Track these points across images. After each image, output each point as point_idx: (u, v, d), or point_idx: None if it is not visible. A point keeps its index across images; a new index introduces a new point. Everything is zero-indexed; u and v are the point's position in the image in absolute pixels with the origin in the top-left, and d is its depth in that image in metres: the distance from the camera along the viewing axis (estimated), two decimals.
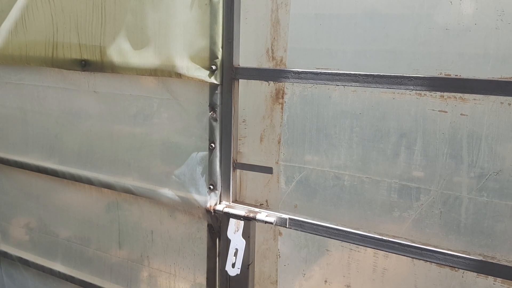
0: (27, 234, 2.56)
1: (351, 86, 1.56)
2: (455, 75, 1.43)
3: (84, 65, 2.03)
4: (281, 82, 1.72)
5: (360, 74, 1.52)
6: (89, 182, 2.19)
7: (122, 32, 1.89)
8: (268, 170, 1.77)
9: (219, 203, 1.83)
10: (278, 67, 1.74)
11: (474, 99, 1.43)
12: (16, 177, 2.50)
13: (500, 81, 1.34)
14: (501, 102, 1.39)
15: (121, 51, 1.90)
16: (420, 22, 1.48)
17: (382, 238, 1.56)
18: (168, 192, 1.95)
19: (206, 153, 1.83)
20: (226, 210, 1.79)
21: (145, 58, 1.85)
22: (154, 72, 1.84)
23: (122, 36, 1.89)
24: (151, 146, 1.99)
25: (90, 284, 2.32)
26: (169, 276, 2.09)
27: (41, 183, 2.42)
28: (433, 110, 1.50)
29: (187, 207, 1.93)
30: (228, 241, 1.79)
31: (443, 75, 1.45)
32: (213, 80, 1.73)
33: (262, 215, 1.73)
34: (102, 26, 1.94)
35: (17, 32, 2.17)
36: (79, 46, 2.02)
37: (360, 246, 1.71)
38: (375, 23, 1.57)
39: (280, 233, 1.91)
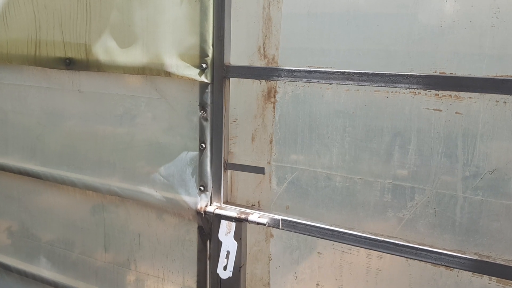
0: (8, 238, 2.48)
1: (344, 84, 1.53)
2: (450, 73, 1.42)
3: (69, 64, 1.97)
4: (273, 80, 1.69)
5: (354, 72, 1.50)
6: (72, 184, 2.13)
7: (108, 29, 1.84)
8: (260, 170, 1.73)
9: (210, 205, 1.79)
10: (270, 66, 1.72)
11: (470, 97, 1.42)
12: None
13: (495, 79, 1.33)
14: (496, 100, 1.39)
15: (107, 49, 1.85)
16: (415, 19, 1.47)
17: (376, 238, 1.54)
18: (156, 194, 1.90)
19: (196, 153, 1.79)
20: (217, 211, 1.76)
21: (132, 56, 1.80)
22: (141, 71, 1.80)
23: (108, 33, 1.84)
24: (138, 147, 1.94)
25: None
26: (157, 280, 2.04)
27: (22, 185, 2.35)
28: (428, 108, 1.49)
29: (176, 208, 1.88)
30: (219, 243, 1.75)
31: (438, 73, 1.44)
32: (203, 78, 1.69)
33: (254, 216, 1.70)
34: (87, 23, 1.89)
35: None
36: (63, 44, 1.96)
37: (352, 248, 1.69)
38: (368, 21, 1.56)
39: (272, 235, 1.88)
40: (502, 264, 1.39)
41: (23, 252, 2.43)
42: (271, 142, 1.77)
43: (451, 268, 1.52)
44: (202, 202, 1.80)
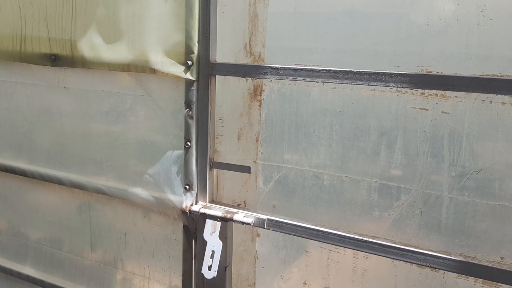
0: None
1: (331, 82, 1.52)
2: (437, 72, 1.41)
3: (54, 60, 1.94)
4: (259, 78, 1.67)
5: (340, 70, 1.48)
6: (59, 182, 2.10)
7: (94, 25, 1.81)
8: (246, 169, 1.71)
9: (195, 204, 1.77)
10: (256, 63, 1.69)
11: (456, 97, 1.40)
12: None
13: (481, 78, 1.31)
14: (482, 100, 1.37)
15: (93, 45, 1.83)
16: (401, 18, 1.45)
17: (362, 239, 1.52)
18: (142, 193, 1.88)
19: (181, 152, 1.77)
20: (203, 210, 1.74)
21: (118, 53, 1.78)
22: (127, 68, 1.77)
23: (94, 29, 1.82)
24: (125, 144, 1.92)
25: None
26: (143, 279, 2.02)
27: (9, 183, 2.32)
28: (414, 107, 1.47)
29: (162, 207, 1.86)
30: (204, 243, 1.74)
31: (424, 72, 1.42)
32: (189, 76, 1.67)
33: (240, 215, 1.68)
34: (72, 19, 1.86)
35: None
36: (49, 39, 1.93)
37: (339, 247, 1.67)
38: (355, 19, 1.54)
39: (258, 234, 1.86)
40: (487, 266, 1.38)
41: (10, 251, 2.41)
42: (257, 141, 1.75)
43: (436, 270, 1.50)
44: (188, 201, 1.78)
